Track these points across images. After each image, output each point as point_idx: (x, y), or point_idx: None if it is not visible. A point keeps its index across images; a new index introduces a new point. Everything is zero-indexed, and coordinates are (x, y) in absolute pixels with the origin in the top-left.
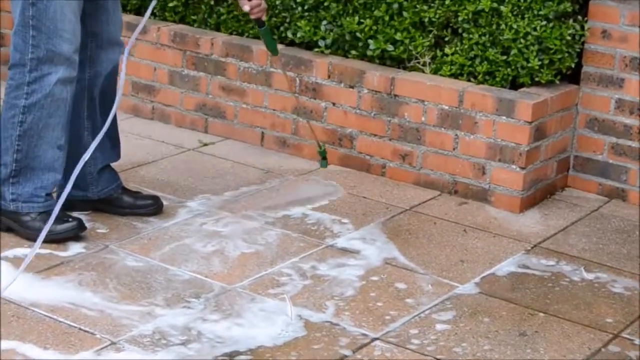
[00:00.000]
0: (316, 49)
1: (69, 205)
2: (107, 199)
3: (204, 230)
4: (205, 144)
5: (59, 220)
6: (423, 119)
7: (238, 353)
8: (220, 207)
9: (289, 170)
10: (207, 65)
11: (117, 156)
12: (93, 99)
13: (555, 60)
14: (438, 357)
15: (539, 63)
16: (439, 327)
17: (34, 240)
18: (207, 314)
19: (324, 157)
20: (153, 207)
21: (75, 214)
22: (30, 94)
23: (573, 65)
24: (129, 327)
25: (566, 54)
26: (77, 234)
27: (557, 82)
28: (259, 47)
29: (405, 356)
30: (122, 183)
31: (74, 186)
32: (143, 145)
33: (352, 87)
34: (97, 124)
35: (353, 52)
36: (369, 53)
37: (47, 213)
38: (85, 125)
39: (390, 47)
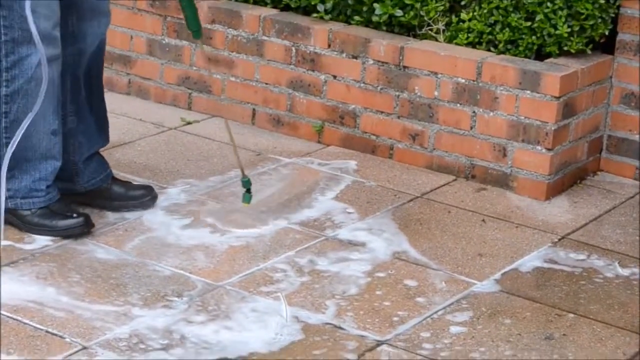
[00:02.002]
0: (315, 15)
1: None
2: (96, 191)
3: (187, 220)
4: (189, 123)
5: (62, 215)
6: (436, 93)
7: None
8: (205, 193)
9: (284, 151)
10: (190, 33)
11: (106, 140)
12: (77, 79)
13: (587, 26)
14: None
15: (568, 30)
16: (453, 329)
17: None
18: (191, 315)
19: (247, 190)
20: (147, 198)
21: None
22: (11, 81)
23: (607, 33)
24: (103, 330)
25: (599, 20)
26: (83, 231)
27: (589, 51)
28: (249, 13)
29: None
30: (112, 172)
31: (57, 178)
32: (118, 123)
33: (355, 57)
34: (82, 107)
35: (356, 17)
36: (375, 19)
37: (48, 207)
38: (69, 109)
39: (398, 12)
